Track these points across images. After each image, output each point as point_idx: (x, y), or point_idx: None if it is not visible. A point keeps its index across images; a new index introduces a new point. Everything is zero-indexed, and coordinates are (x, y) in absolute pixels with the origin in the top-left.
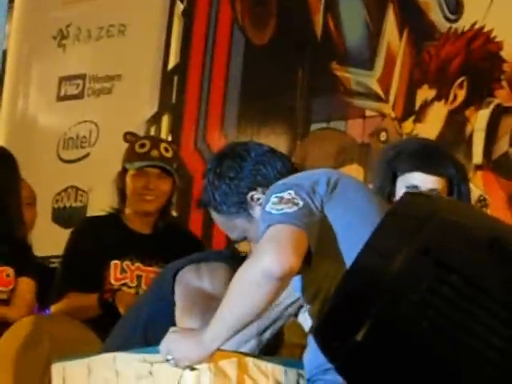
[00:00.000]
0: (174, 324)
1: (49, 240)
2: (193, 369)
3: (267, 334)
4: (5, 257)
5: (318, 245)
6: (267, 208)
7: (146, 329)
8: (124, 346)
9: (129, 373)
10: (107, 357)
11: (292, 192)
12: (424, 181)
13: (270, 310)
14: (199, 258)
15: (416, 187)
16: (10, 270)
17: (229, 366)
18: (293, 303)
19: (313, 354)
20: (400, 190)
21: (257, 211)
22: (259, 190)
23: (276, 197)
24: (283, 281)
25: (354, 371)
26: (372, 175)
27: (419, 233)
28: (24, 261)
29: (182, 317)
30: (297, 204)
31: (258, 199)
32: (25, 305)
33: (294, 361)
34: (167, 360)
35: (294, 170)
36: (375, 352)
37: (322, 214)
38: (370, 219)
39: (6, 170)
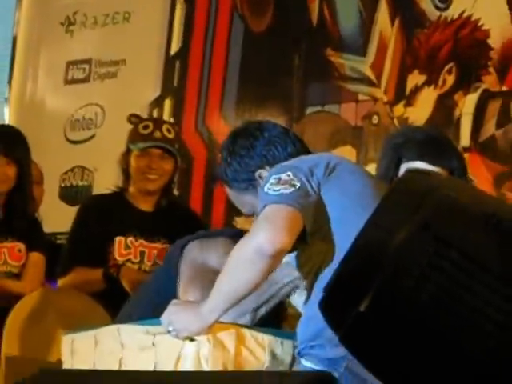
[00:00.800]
0: (177, 298)
1: (56, 217)
2: (192, 340)
3: (262, 311)
4: (17, 232)
5: (313, 225)
6: (265, 188)
7: (153, 303)
8: (135, 319)
9: (132, 344)
10: (112, 328)
11: (290, 173)
12: None
13: (268, 287)
14: (204, 235)
15: None
16: (21, 246)
17: (227, 337)
18: (290, 282)
19: (304, 327)
20: None
21: None
22: (267, 168)
23: (274, 178)
24: (275, 258)
25: (357, 341)
26: (364, 157)
27: (420, 208)
28: (35, 237)
29: (184, 290)
30: (294, 185)
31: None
32: (35, 279)
33: (290, 333)
34: (168, 331)
35: (305, 152)
36: (377, 322)
37: (318, 195)
38: (364, 202)
39: (21, 149)
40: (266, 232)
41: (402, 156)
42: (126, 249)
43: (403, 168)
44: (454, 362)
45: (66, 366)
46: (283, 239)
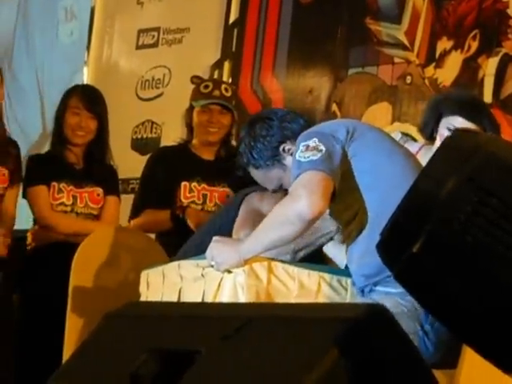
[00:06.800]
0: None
1: (129, 165)
2: (230, 272)
3: (301, 254)
4: (96, 179)
5: (346, 180)
6: (297, 156)
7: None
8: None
9: (188, 276)
10: (174, 264)
11: (316, 139)
12: (463, 125)
13: (309, 235)
14: (263, 188)
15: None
16: (100, 190)
17: (260, 268)
18: (327, 234)
19: (362, 265)
20: (442, 129)
21: (288, 160)
22: (288, 142)
23: (303, 145)
24: (313, 222)
25: (410, 278)
26: (399, 111)
27: (466, 163)
28: (111, 182)
29: (237, 228)
30: (320, 150)
31: (289, 150)
32: (112, 220)
33: (316, 266)
34: (211, 265)
35: (310, 124)
36: (427, 262)
37: (343, 155)
38: (388, 153)
39: (101, 105)
40: (306, 199)
41: (443, 111)
42: (190, 192)
43: (443, 122)
44: (493, 294)
45: (143, 296)
46: (321, 205)
